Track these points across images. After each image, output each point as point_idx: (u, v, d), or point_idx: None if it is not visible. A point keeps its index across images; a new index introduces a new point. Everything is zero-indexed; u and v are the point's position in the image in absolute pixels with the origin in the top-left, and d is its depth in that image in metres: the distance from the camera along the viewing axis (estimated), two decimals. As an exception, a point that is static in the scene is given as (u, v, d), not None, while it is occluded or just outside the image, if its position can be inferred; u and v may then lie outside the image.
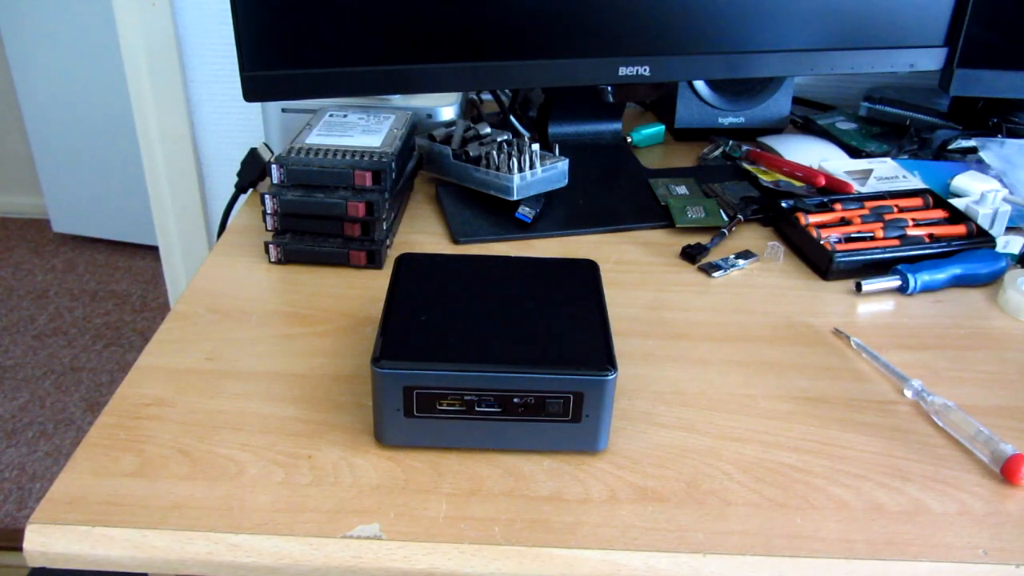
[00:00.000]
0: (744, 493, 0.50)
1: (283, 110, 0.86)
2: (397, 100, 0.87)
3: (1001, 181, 0.85)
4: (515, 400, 0.50)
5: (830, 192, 0.83)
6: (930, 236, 0.75)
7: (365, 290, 0.69)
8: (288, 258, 0.72)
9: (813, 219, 0.77)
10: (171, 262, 1.28)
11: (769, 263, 0.75)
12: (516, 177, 0.78)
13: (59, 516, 0.47)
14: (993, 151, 0.90)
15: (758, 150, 0.93)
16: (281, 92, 0.74)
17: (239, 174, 0.87)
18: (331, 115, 0.79)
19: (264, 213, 0.71)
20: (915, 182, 0.86)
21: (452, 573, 0.46)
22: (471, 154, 0.81)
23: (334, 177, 0.70)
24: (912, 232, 0.75)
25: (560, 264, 0.60)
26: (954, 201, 0.80)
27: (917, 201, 0.80)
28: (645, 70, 0.79)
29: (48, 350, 2.14)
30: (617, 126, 0.98)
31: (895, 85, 1.08)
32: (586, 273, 0.59)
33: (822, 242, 0.73)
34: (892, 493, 0.51)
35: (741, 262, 0.74)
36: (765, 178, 0.88)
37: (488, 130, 0.85)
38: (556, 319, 0.54)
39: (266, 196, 0.71)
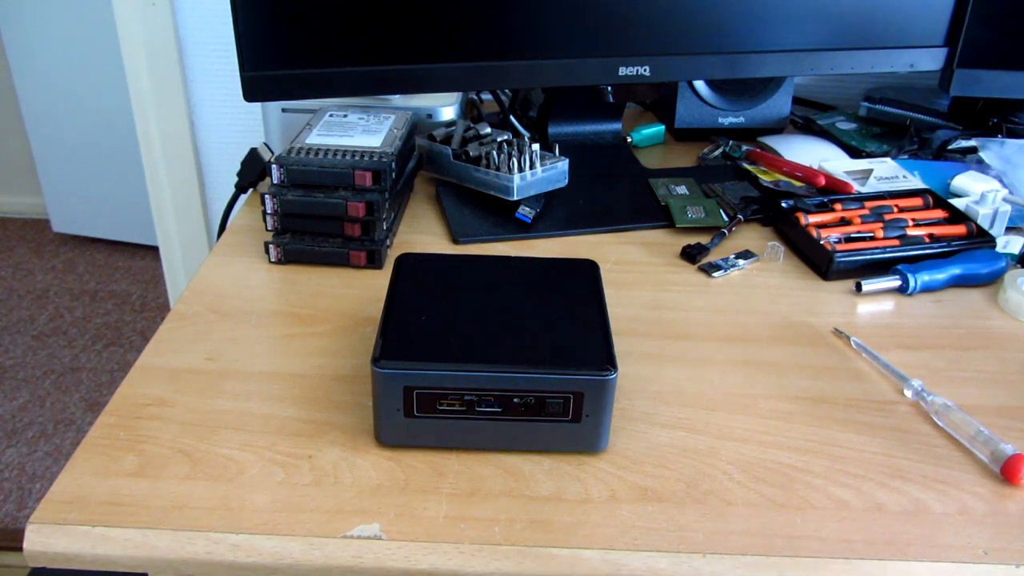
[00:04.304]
0: (744, 493, 0.50)
1: (283, 110, 0.86)
2: (397, 100, 0.87)
3: (1001, 181, 0.85)
4: (515, 400, 0.50)
5: (830, 192, 0.83)
6: (930, 236, 0.75)
7: (365, 290, 0.69)
8: (288, 258, 0.72)
9: (813, 219, 0.77)
10: (171, 262, 1.28)
11: (769, 263, 0.75)
12: (516, 177, 0.78)
13: (59, 516, 0.47)
14: (993, 151, 0.90)
15: (758, 150, 0.93)
16: (281, 92, 0.74)
17: (239, 174, 0.87)
18: (331, 115, 0.79)
19: (264, 213, 0.71)
20: (915, 182, 0.86)
21: (452, 573, 0.46)
22: (471, 154, 0.81)
23: (334, 177, 0.70)
24: (912, 232, 0.75)
25: (560, 264, 0.60)
26: (954, 201, 0.80)
27: (917, 201, 0.80)
28: (645, 70, 0.79)
29: (48, 350, 2.14)
30: (617, 126, 0.98)
31: (895, 85, 1.08)
32: (586, 273, 0.59)
33: (822, 242, 0.73)
34: (892, 493, 0.51)
35: (741, 262, 0.74)
36: (765, 178, 0.88)
37: (488, 130, 0.85)
38: (556, 319, 0.54)
39: (266, 196, 0.71)
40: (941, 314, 0.69)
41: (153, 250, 2.54)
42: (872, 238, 0.75)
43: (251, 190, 0.87)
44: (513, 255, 0.65)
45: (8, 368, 2.08)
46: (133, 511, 0.47)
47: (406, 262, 0.59)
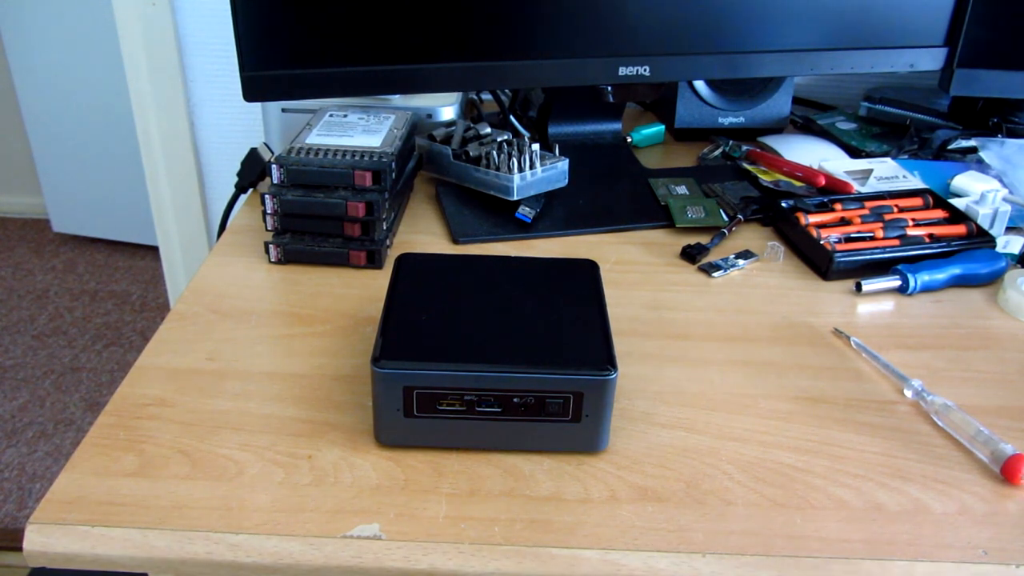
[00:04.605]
0: (744, 493, 0.50)
1: (283, 110, 0.86)
2: (397, 100, 0.87)
3: (1001, 181, 0.85)
4: (515, 400, 0.50)
5: (830, 192, 0.83)
6: (930, 236, 0.75)
7: (365, 290, 0.69)
8: (288, 258, 0.72)
9: (813, 219, 0.77)
10: (171, 262, 1.28)
11: (769, 263, 0.75)
12: (516, 177, 0.78)
13: (59, 516, 0.47)
14: (993, 151, 0.90)
15: (758, 150, 0.93)
16: (281, 92, 0.74)
17: (239, 174, 0.87)
18: (331, 115, 0.79)
19: (264, 213, 0.71)
20: (915, 182, 0.86)
21: (452, 573, 0.46)
22: (471, 154, 0.81)
23: (334, 177, 0.70)
24: (912, 232, 0.75)
25: (560, 264, 0.60)
26: (954, 201, 0.80)
27: (917, 201, 0.80)
28: (645, 70, 0.79)
29: (48, 350, 2.14)
30: (617, 126, 0.98)
31: (895, 85, 1.08)
32: (586, 273, 0.59)
33: (822, 242, 0.73)
34: (892, 493, 0.51)
35: (741, 262, 0.74)
36: (765, 178, 0.88)
37: (488, 130, 0.85)
38: (556, 319, 0.54)
39: (266, 196, 0.71)
40: (941, 314, 0.69)
41: (153, 250, 2.54)
42: (872, 238, 0.75)
43: (251, 190, 0.87)
44: (513, 255, 0.65)
45: (8, 368, 2.08)
46: (133, 511, 0.47)
47: (406, 262, 0.59)
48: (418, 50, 0.74)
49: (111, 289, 2.40)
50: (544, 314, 0.54)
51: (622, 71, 0.79)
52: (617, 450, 0.53)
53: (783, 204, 0.79)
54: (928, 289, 0.71)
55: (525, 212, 0.79)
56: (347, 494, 0.49)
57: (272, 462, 0.51)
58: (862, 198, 0.80)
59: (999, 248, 0.76)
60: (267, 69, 0.71)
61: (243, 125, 1.17)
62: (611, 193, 0.86)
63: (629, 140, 1.00)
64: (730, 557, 0.46)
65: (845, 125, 1.03)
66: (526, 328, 0.53)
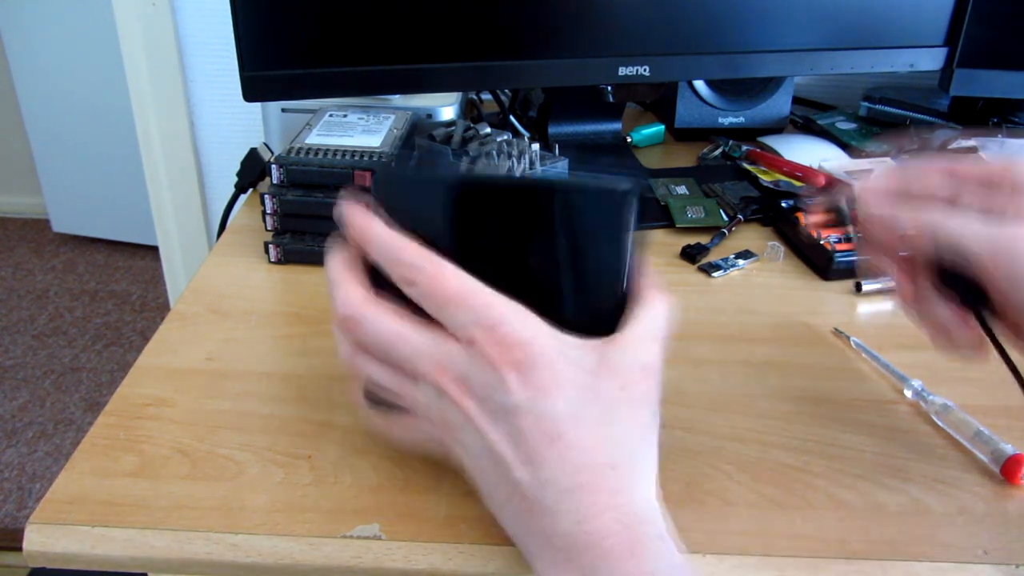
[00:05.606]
0: (744, 493, 0.50)
1: (283, 110, 0.86)
2: (397, 100, 0.87)
3: (1001, 181, 0.85)
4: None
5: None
6: (930, 236, 0.75)
7: (365, 290, 0.69)
8: (288, 258, 0.72)
9: (813, 219, 0.77)
10: (171, 262, 1.28)
11: (769, 263, 0.75)
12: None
13: (59, 516, 0.47)
14: (993, 151, 0.90)
15: (758, 150, 0.93)
16: (281, 92, 0.74)
17: (239, 174, 0.87)
18: (331, 115, 0.79)
19: (264, 213, 0.71)
20: (915, 182, 0.85)
21: (452, 573, 0.46)
22: (471, 154, 0.81)
23: (334, 177, 0.70)
24: (912, 232, 0.75)
25: None
26: (954, 201, 0.80)
27: (917, 201, 0.80)
28: (645, 70, 0.79)
29: (48, 350, 2.14)
30: (617, 126, 0.98)
31: (895, 85, 1.08)
32: None
33: (822, 242, 0.73)
34: (892, 493, 0.51)
35: (741, 262, 0.74)
36: (765, 178, 0.88)
37: (488, 130, 0.85)
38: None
39: (266, 196, 0.71)
40: (941, 314, 0.69)
41: (153, 250, 2.54)
42: (872, 238, 0.75)
43: (251, 190, 0.87)
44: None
45: (8, 368, 2.08)
46: (133, 511, 0.47)
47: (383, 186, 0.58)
48: (418, 50, 0.74)
49: (111, 289, 2.40)
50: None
51: (622, 71, 0.79)
52: (617, 450, 0.53)
53: (783, 204, 0.79)
54: (928, 289, 0.71)
55: (525, 212, 0.79)
56: (347, 494, 0.49)
57: (272, 462, 0.51)
58: (862, 198, 0.80)
59: (999, 248, 0.76)
60: (267, 69, 0.71)
61: (243, 125, 1.17)
62: (611, 193, 0.86)
63: (629, 140, 1.00)
64: (730, 557, 0.46)
65: (845, 125, 1.03)
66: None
